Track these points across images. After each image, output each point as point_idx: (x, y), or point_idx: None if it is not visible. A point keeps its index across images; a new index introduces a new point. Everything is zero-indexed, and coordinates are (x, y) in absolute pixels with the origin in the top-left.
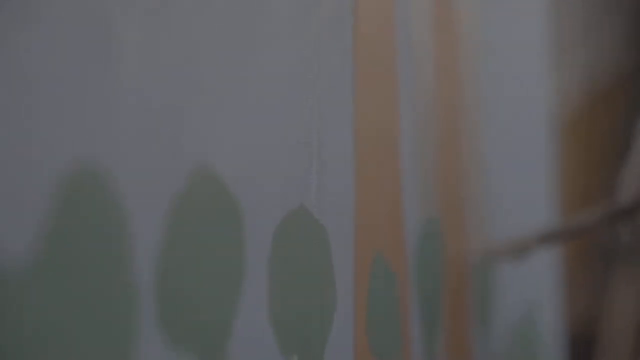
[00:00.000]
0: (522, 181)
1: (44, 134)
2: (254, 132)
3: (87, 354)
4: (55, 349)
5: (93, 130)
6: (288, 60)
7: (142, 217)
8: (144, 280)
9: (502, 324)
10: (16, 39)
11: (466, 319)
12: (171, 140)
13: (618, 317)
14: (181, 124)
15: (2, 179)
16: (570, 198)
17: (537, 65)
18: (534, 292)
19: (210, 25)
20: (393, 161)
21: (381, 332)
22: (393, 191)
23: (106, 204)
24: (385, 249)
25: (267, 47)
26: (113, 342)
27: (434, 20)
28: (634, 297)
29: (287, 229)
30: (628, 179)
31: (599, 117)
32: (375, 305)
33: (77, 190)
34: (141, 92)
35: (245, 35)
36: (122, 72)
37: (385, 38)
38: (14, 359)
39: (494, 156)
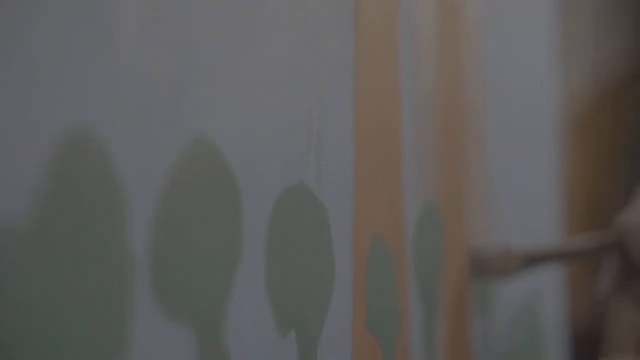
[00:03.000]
0: (525, 175)
1: (43, 99)
2: (254, 109)
3: (80, 319)
4: (48, 311)
5: (91, 97)
6: (289, 40)
7: (138, 186)
8: (138, 249)
9: (502, 312)
10: (18, 9)
11: (466, 307)
12: (170, 112)
13: (623, 316)
14: (181, 96)
15: (0, 143)
16: (576, 193)
17: (545, 60)
18: (536, 282)
19: (212, 3)
20: (393, 143)
21: (379, 310)
22: (393, 174)
23: (102, 171)
24: (384, 230)
25: (269, 26)
26: (107, 309)
27: (439, 7)
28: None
29: (285, 205)
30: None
31: (606, 114)
32: (374, 285)
33: (74, 155)
34: (141, 62)
35: (247, 15)
36: (122, 41)
37: (388, 22)
38: (9, 318)
39: (497, 149)
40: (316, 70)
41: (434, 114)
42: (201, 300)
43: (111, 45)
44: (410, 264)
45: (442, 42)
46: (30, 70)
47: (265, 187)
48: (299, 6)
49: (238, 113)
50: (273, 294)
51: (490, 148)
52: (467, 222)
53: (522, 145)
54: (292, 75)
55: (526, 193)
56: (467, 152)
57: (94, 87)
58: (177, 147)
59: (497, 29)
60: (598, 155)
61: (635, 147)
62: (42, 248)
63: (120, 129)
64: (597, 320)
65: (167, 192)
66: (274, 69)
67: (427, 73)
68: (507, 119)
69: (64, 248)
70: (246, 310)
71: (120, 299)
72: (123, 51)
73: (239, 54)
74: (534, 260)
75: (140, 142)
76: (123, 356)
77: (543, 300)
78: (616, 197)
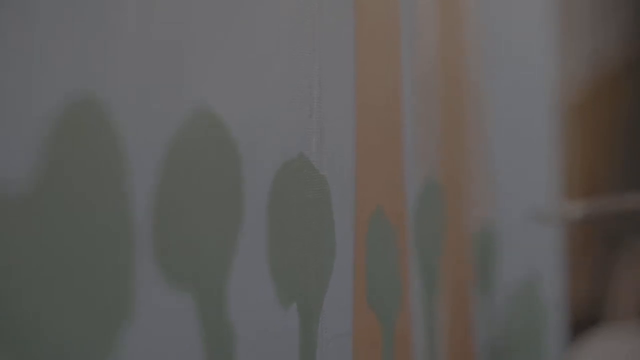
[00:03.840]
0: (525, 152)
1: (46, 64)
2: (255, 79)
3: (82, 287)
4: (50, 279)
5: (93, 65)
6: (291, 11)
7: (140, 155)
8: (140, 218)
9: (502, 290)
10: None
11: (467, 282)
12: (171, 79)
13: (622, 299)
14: (182, 64)
15: (4, 108)
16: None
17: (542, 48)
18: (536, 259)
19: None
20: (394, 118)
21: (380, 284)
22: (394, 148)
23: (104, 139)
24: (386, 203)
25: None
26: (109, 277)
27: None
28: (638, 280)
29: (286, 176)
30: None
31: (603, 101)
32: (375, 257)
33: (76, 123)
34: (143, 31)
35: None
36: (125, 10)
37: None
38: (12, 286)
39: (497, 126)
40: (317, 42)
41: (435, 88)
42: (203, 269)
43: (114, 14)
44: (411, 238)
45: (443, 18)
46: (33, 37)
47: (266, 158)
48: None
49: (239, 83)
50: (274, 265)
51: (491, 125)
52: (467, 198)
53: (522, 123)
54: (293, 47)
55: (525, 169)
56: (467, 128)
57: (97, 56)
58: (178, 116)
59: (497, 10)
60: (595, 141)
61: (632, 133)
62: (44, 215)
63: (122, 97)
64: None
65: (168, 160)
66: (275, 40)
67: (427, 49)
68: (507, 95)
69: (66, 215)
70: (248, 282)
71: (122, 267)
72: (125, 20)
73: (240, 25)
74: (595, 214)
75: (142, 110)
76: (125, 324)
77: (542, 279)
78: (613, 181)
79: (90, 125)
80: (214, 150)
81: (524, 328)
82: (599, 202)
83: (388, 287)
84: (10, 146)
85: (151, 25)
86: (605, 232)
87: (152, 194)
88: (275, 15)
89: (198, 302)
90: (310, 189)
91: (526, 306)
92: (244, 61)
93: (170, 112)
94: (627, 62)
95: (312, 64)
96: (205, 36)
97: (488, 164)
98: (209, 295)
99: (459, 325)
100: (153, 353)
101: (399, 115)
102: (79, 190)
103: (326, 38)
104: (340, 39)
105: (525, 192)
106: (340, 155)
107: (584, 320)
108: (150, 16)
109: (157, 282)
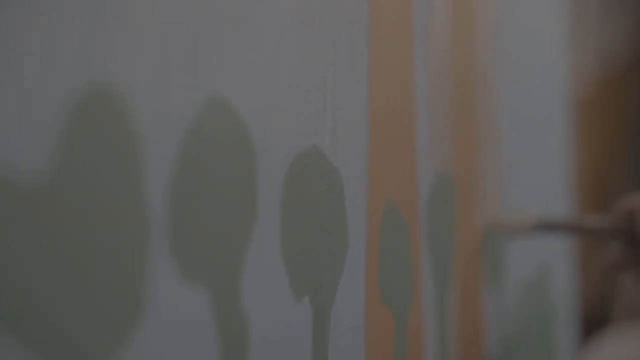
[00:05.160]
0: (537, 146)
1: (59, 55)
2: (270, 71)
3: (97, 278)
4: (65, 269)
5: (108, 54)
6: (305, 3)
7: (155, 145)
8: (155, 209)
9: (514, 282)
10: None
11: (479, 276)
12: (186, 71)
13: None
14: (197, 55)
15: (19, 99)
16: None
17: (553, 42)
18: (547, 255)
19: None
20: (408, 111)
21: (393, 277)
22: (407, 141)
23: (119, 129)
24: (398, 197)
25: None
26: (124, 267)
27: None
28: None
29: (299, 168)
30: None
31: (612, 97)
32: (387, 252)
33: (91, 112)
34: (158, 20)
35: None
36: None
37: None
38: (27, 276)
39: (509, 121)
40: (332, 33)
41: (448, 81)
42: (217, 262)
43: (128, 3)
44: (423, 231)
45: (456, 12)
46: (48, 27)
47: (280, 150)
48: None
49: (253, 74)
50: (288, 258)
51: (503, 119)
52: (479, 192)
53: (534, 117)
54: (308, 38)
55: (537, 163)
56: (480, 123)
57: (111, 45)
58: (193, 106)
59: (509, 4)
60: (604, 137)
61: None
62: (58, 208)
63: (137, 86)
64: (605, 293)
65: (183, 153)
66: (290, 31)
67: (441, 42)
68: (519, 90)
69: (81, 208)
70: (261, 273)
71: (137, 260)
72: (140, 9)
73: (255, 14)
74: (546, 227)
75: (157, 100)
76: (140, 317)
77: (553, 273)
78: (622, 175)
79: (105, 116)
80: (229, 142)
81: (535, 324)
82: (553, 217)
83: (401, 280)
84: (25, 137)
85: (166, 14)
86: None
87: (167, 185)
88: (291, 6)
89: (212, 295)
90: (323, 181)
91: (537, 302)
92: (258, 53)
93: (184, 104)
94: (637, 56)
95: (326, 56)
96: (220, 27)
97: (500, 158)
98: (223, 288)
99: (470, 320)
100: (167, 346)
101: (412, 108)
102: (93, 182)
103: (340, 30)
104: (354, 31)
105: (537, 186)
106: (354, 147)
107: (595, 316)
108: (164, 5)
109: (171, 275)
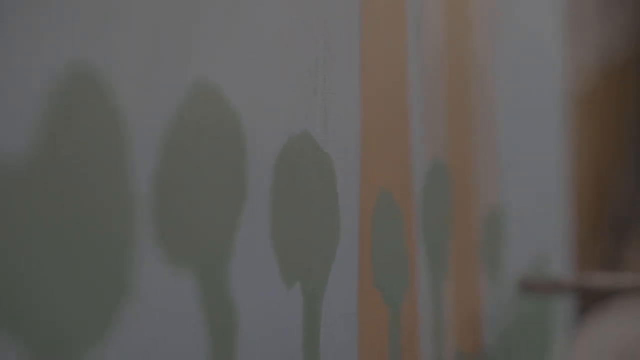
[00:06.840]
0: (533, 136)
1: (44, 34)
2: (260, 55)
3: (81, 262)
4: (47, 254)
5: (93, 36)
6: None
7: (141, 128)
8: (141, 193)
9: (511, 272)
10: None
11: (475, 265)
12: (174, 54)
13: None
14: (186, 39)
15: (1, 79)
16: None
17: (552, 36)
18: (545, 243)
19: None
20: (401, 96)
21: (386, 264)
22: (400, 127)
23: (104, 112)
24: (392, 183)
25: None
26: (108, 252)
27: None
28: None
29: (290, 153)
30: None
31: (611, 92)
32: (381, 237)
33: (75, 94)
34: (146, 3)
35: None
36: None
37: None
38: (10, 262)
39: (505, 111)
40: (323, 18)
41: (442, 68)
42: (205, 247)
43: None
44: (418, 218)
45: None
46: (32, 8)
47: (270, 135)
48: None
49: (243, 58)
50: (278, 244)
51: (498, 109)
52: (475, 180)
53: (530, 108)
54: (299, 22)
55: (534, 152)
56: (474, 112)
57: (97, 26)
58: (180, 90)
59: (506, 10)
60: (604, 135)
61: None
62: (42, 188)
63: (123, 69)
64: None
65: (170, 136)
66: (280, 15)
67: (435, 28)
68: (516, 79)
69: (65, 190)
70: (250, 260)
71: (123, 243)
72: None
73: (247, 1)
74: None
75: (144, 83)
76: (125, 301)
77: (551, 262)
78: (621, 171)
79: (91, 97)
80: (217, 126)
81: (532, 312)
82: (569, 277)
83: (394, 266)
84: (8, 118)
85: None
86: (614, 218)
87: (154, 168)
88: None
89: (200, 280)
90: (314, 166)
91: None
92: (248, 36)
93: (172, 87)
94: (636, 52)
95: (317, 40)
96: (210, 10)
97: (496, 147)
98: (211, 273)
99: (466, 308)
100: (153, 330)
101: (405, 93)
102: (78, 164)
103: (332, 14)
104: (346, 15)
105: (534, 174)
106: (346, 133)
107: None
108: None
109: (157, 260)
